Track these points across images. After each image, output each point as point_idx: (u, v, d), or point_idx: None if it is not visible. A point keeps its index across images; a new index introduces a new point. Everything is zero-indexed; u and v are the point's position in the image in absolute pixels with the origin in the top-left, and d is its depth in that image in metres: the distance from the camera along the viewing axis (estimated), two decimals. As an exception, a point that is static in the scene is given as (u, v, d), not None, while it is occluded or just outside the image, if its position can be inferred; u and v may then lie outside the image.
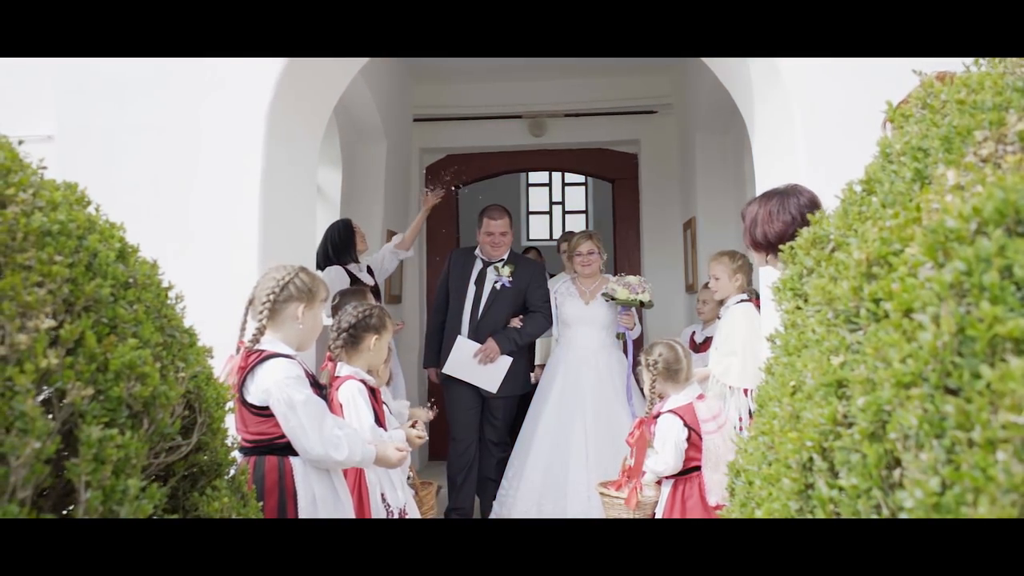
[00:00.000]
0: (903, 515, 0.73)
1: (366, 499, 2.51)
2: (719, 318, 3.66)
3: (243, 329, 2.23)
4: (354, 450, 2.12)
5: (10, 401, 0.94)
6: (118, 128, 3.05)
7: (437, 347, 4.42)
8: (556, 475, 4.11)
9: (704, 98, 4.93)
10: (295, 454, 2.10)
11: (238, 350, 2.19)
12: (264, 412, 2.06)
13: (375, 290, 4.65)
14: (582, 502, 3.99)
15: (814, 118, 2.90)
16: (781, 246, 1.57)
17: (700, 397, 3.01)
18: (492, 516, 4.27)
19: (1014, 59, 1.21)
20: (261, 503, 1.90)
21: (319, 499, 2.14)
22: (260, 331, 2.14)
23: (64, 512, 1.10)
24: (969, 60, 1.45)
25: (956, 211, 0.76)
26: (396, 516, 2.58)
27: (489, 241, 4.30)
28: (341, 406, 2.46)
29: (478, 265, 4.36)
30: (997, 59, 1.39)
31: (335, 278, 4.29)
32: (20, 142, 1.33)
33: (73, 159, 2.95)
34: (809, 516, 0.93)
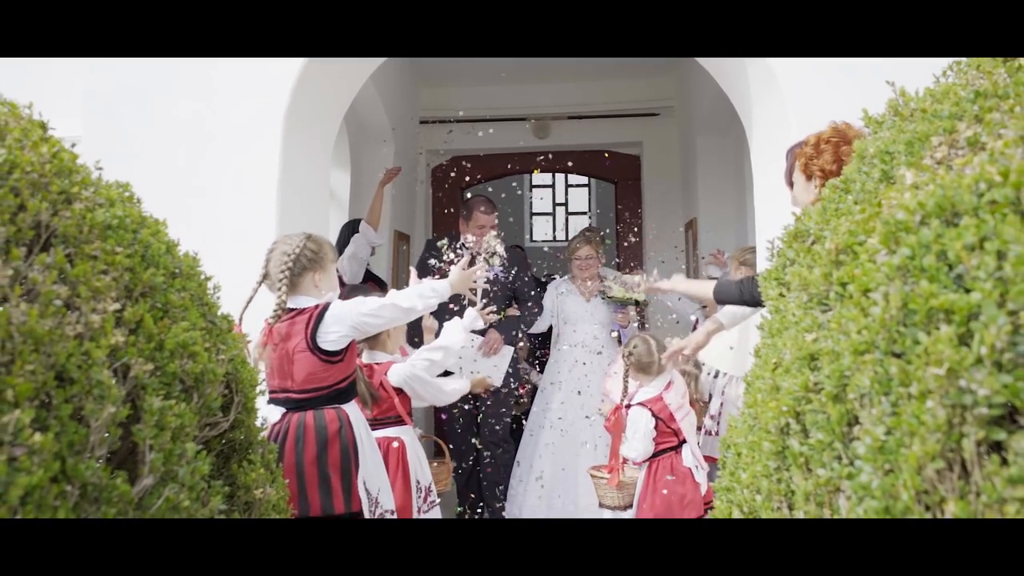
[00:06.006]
0: (858, 462, 0.86)
1: (407, 475, 2.64)
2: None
3: (249, 302, 2.30)
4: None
5: (88, 371, 1.08)
6: (139, 131, 3.17)
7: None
8: (567, 471, 4.15)
9: (705, 101, 5.05)
10: (348, 401, 2.28)
11: (240, 320, 2.25)
12: (334, 358, 2.22)
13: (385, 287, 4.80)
14: (594, 496, 4.07)
15: (809, 121, 2.99)
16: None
17: (668, 387, 3.19)
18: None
19: (976, 72, 1.34)
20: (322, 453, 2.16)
21: (365, 442, 2.29)
22: (281, 305, 2.24)
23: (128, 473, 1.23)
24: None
25: (905, 206, 0.89)
26: (424, 490, 2.71)
27: (480, 234, 4.21)
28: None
29: (465, 256, 4.35)
30: (966, 69, 1.52)
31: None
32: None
33: (97, 160, 3.08)
34: (785, 473, 1.06)
